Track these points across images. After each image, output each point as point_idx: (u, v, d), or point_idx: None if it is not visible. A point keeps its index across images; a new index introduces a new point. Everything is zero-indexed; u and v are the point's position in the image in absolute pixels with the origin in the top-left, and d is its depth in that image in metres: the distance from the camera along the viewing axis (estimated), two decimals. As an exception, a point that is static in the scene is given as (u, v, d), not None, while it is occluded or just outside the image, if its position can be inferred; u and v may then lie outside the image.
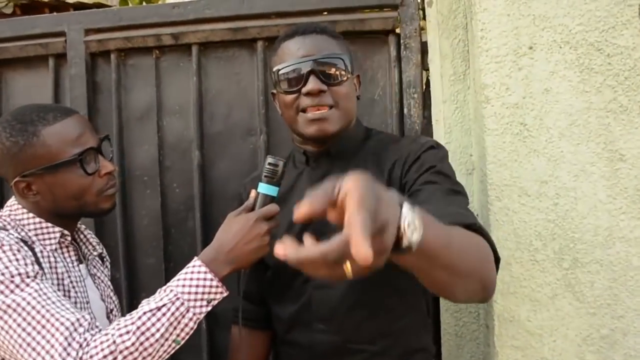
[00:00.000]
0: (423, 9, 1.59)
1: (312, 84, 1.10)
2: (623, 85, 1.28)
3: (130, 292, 1.73)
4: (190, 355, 1.69)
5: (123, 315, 1.34)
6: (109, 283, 1.31)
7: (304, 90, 1.11)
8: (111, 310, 1.25)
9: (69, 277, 1.13)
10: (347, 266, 0.56)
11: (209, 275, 1.06)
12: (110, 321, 1.23)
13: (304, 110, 1.13)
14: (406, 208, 0.64)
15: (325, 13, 1.66)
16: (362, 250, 0.52)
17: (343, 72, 1.14)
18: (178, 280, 1.06)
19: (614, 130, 1.29)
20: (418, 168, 1.09)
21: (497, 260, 0.90)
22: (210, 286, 1.05)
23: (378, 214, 0.57)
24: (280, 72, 1.14)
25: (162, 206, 1.74)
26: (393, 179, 1.13)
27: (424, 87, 1.62)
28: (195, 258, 1.10)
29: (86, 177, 1.14)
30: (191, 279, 1.05)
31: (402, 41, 1.60)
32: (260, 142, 1.69)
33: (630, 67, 1.28)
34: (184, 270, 1.08)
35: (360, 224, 0.53)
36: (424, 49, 1.59)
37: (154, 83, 1.75)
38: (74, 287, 1.13)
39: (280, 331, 1.25)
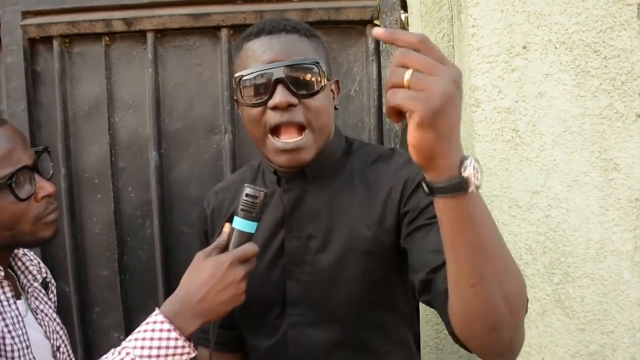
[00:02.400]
0: (404, -1, 1.46)
1: (280, 96, 0.92)
2: (619, 90, 1.21)
3: (81, 308, 1.56)
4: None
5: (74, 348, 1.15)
6: (55, 315, 1.12)
7: (270, 103, 0.93)
8: (58, 348, 1.08)
9: (4, 319, 0.96)
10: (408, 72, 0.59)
11: (174, 334, 0.87)
12: None
13: (273, 131, 0.95)
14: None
15: (297, 0, 1.51)
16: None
17: (318, 80, 0.95)
18: (136, 339, 0.87)
19: (608, 137, 1.22)
20: (421, 196, 0.95)
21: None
22: (175, 347, 0.87)
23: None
24: (243, 80, 0.95)
25: (116, 212, 1.56)
26: (388, 210, 0.98)
27: (404, 83, 1.50)
28: (157, 311, 0.90)
29: (18, 203, 0.95)
30: (151, 339, 0.86)
31: (381, 33, 1.47)
32: (225, 142, 1.54)
33: (627, 70, 1.20)
34: (142, 326, 0.89)
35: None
36: (404, 42, 1.47)
37: (104, 74, 1.56)
38: (10, 331, 0.95)
39: None
